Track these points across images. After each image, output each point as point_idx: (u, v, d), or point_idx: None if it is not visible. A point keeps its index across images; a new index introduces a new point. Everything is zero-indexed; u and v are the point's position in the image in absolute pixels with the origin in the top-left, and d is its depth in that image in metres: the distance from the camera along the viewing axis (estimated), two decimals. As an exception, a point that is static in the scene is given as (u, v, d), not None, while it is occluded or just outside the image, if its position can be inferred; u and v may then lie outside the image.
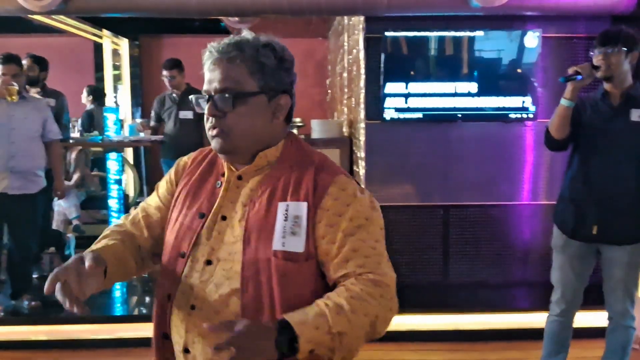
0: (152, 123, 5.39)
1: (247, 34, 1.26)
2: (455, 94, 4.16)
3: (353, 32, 4.61)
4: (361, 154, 4.32)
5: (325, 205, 1.22)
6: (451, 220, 4.29)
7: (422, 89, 4.11)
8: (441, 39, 4.16)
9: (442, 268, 4.33)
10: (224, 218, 1.26)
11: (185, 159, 1.42)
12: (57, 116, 4.56)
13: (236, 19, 4.30)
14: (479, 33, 4.14)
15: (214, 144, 1.25)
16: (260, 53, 1.23)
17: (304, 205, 1.20)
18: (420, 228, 4.28)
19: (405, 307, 3.71)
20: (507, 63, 4.18)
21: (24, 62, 4.38)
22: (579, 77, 2.55)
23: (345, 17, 4.95)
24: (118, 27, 7.08)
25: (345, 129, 5.12)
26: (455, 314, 3.84)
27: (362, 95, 4.20)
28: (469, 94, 4.17)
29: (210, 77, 1.23)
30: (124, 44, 7.57)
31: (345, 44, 5.06)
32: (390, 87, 4.06)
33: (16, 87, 3.68)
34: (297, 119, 6.42)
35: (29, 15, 4.73)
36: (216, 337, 1.07)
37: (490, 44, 4.18)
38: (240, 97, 1.21)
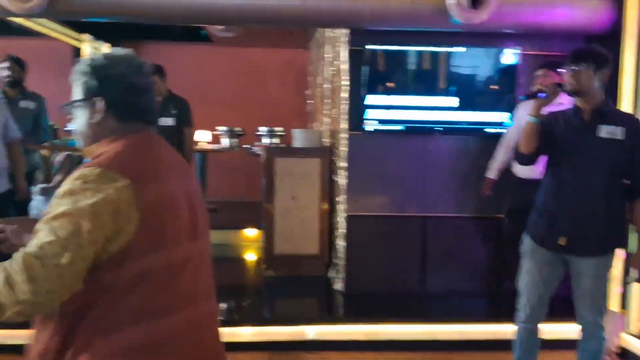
0: None
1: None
2: (435, 108, 4.25)
3: (335, 44, 4.67)
4: (342, 163, 4.36)
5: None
6: (429, 231, 4.35)
7: (403, 102, 4.19)
8: (422, 54, 4.25)
9: (419, 278, 4.39)
10: None
11: None
12: (36, 118, 4.49)
13: (220, 27, 4.33)
14: (459, 49, 4.24)
15: None
16: (84, 64, 1.48)
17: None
18: (399, 238, 4.34)
19: (384, 316, 3.80)
20: (486, 79, 4.29)
21: (5, 64, 4.32)
22: (543, 94, 2.70)
23: (327, 29, 5.01)
24: (99, 32, 7.04)
25: (326, 139, 5.17)
26: (432, 323, 3.89)
27: (344, 107, 4.26)
28: (448, 108, 4.25)
29: None
30: (104, 49, 7.53)
31: (327, 55, 5.12)
32: (372, 99, 4.13)
33: None
34: (278, 128, 6.47)
35: (9, 18, 4.70)
36: None
37: (470, 60, 4.29)
38: (65, 108, 1.52)
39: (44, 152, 4.88)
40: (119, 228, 1.30)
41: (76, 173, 1.36)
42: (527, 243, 2.91)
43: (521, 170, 3.80)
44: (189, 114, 4.98)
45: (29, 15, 3.87)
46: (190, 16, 3.68)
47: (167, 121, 5.00)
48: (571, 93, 2.72)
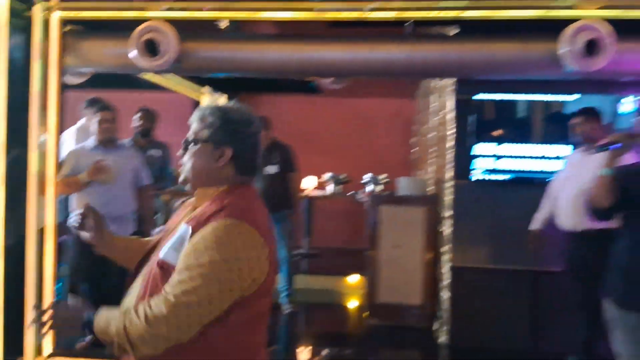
0: None
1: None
2: (545, 157, 4.12)
3: (442, 93, 4.71)
4: (446, 213, 4.32)
5: (196, 235, 1.47)
6: (541, 287, 4.16)
7: (511, 151, 4.11)
8: (532, 102, 4.17)
9: (530, 335, 4.17)
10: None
11: None
12: (162, 166, 4.85)
13: (330, 79, 4.52)
14: (571, 97, 4.12)
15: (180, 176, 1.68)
16: (212, 112, 1.59)
17: (189, 230, 1.48)
18: (507, 292, 4.18)
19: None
20: (601, 127, 4.11)
21: (138, 115, 4.73)
22: (617, 145, 2.62)
23: (435, 79, 5.07)
24: (218, 85, 7.56)
25: (431, 188, 5.15)
26: (543, 385, 3.68)
27: (450, 155, 4.25)
28: (560, 157, 4.11)
29: None
30: (221, 101, 8.06)
31: (434, 104, 5.16)
32: (479, 148, 4.09)
33: (110, 174, 3.85)
34: (382, 175, 6.54)
35: (141, 74, 5.20)
36: None
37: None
38: (192, 144, 1.60)
39: (165, 197, 5.26)
40: (255, 277, 1.45)
41: (218, 223, 1.47)
42: (611, 310, 2.68)
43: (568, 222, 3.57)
44: (292, 159, 5.14)
45: (158, 71, 4.27)
46: (303, 70, 3.88)
47: (271, 169, 5.18)
48: None
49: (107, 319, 1.42)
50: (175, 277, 1.42)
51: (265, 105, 7.88)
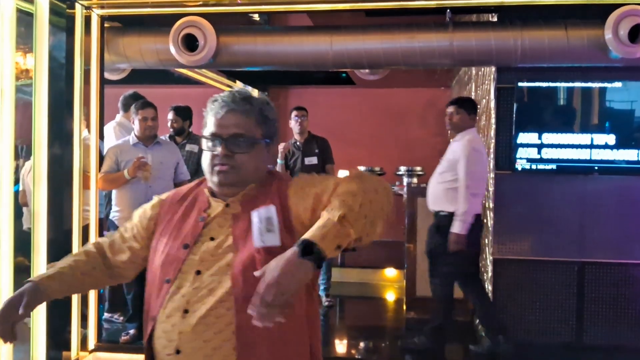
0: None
1: (243, 89, 1.48)
2: (591, 146, 4.00)
3: (482, 82, 4.61)
4: (489, 204, 4.24)
5: (290, 196, 1.44)
6: (587, 278, 4.05)
7: (556, 140, 4.00)
8: (576, 90, 4.05)
9: (576, 328, 4.08)
10: (212, 239, 1.46)
11: (163, 198, 1.61)
12: (199, 160, 4.88)
13: (367, 70, 4.47)
14: (616, 84, 3.99)
15: (222, 177, 1.46)
16: (264, 108, 1.51)
17: (272, 208, 1.41)
18: (551, 284, 4.09)
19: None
20: (647, 114, 3.99)
21: (169, 115, 4.73)
22: None
23: (474, 68, 4.97)
24: (250, 79, 7.57)
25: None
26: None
27: (492, 145, 4.16)
28: (606, 146, 3.99)
29: (223, 122, 1.47)
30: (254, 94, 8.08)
31: (473, 93, 5.06)
32: (523, 137, 3.99)
33: (150, 171, 3.83)
34: (417, 167, 6.46)
35: (176, 69, 5.23)
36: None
37: (628, 95, 4.02)
38: (251, 142, 1.47)
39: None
40: None
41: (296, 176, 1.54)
42: None
43: None
44: (330, 152, 5.18)
45: (196, 66, 4.28)
46: (341, 62, 3.84)
47: (312, 160, 5.20)
48: None
49: (318, 230, 1.27)
50: (328, 182, 1.43)
51: (295, 97, 7.86)
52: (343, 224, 1.27)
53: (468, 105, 3.87)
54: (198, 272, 1.42)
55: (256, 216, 1.41)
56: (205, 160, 1.48)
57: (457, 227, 3.55)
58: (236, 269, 1.39)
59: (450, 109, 3.87)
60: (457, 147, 3.73)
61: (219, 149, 1.44)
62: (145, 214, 1.61)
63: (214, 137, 1.46)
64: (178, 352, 1.39)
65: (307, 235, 1.25)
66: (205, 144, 1.48)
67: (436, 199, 3.80)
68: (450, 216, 3.62)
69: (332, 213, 1.29)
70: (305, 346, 1.44)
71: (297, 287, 1.20)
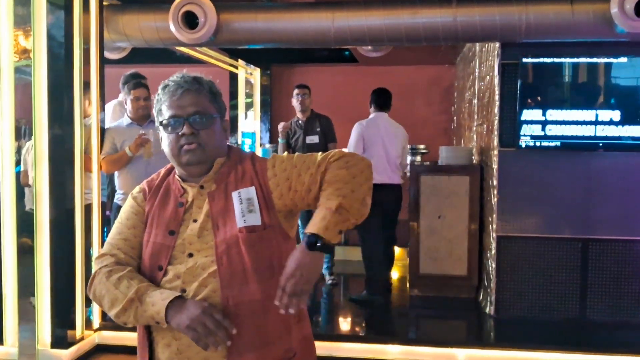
0: (280, 151, 5.60)
1: (186, 72, 1.58)
2: (596, 122, 3.96)
3: (486, 59, 4.56)
4: (493, 182, 4.22)
5: (270, 177, 1.52)
6: (590, 255, 4.05)
7: (560, 117, 3.96)
8: (581, 65, 4.00)
9: (578, 305, 4.08)
10: (195, 221, 1.52)
11: (144, 187, 1.62)
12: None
13: (369, 47, 4.41)
14: (622, 59, 3.94)
15: (190, 156, 1.51)
16: (213, 86, 1.58)
17: (252, 189, 1.50)
18: (555, 261, 4.08)
19: (540, 343, 3.58)
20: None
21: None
22: None
23: (478, 44, 4.90)
24: (252, 57, 7.50)
25: (475, 156, 5.03)
26: (592, 354, 3.59)
27: (496, 122, 4.12)
28: (611, 122, 3.95)
29: (181, 103, 1.51)
30: (256, 73, 8.01)
31: (477, 70, 5.00)
32: (527, 114, 3.95)
33: (151, 147, 3.81)
34: (421, 146, 6.41)
35: (177, 47, 5.18)
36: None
37: (634, 71, 3.96)
38: (210, 118, 1.53)
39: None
40: None
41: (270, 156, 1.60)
42: None
43: None
44: (332, 130, 5.15)
45: (196, 44, 4.23)
46: (343, 39, 3.79)
47: (314, 139, 5.18)
48: None
49: (320, 222, 1.38)
50: (312, 159, 1.53)
51: (298, 76, 7.79)
52: (341, 212, 1.39)
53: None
54: (190, 255, 1.48)
55: (237, 198, 1.50)
56: (170, 144, 1.51)
57: None
58: (219, 248, 1.46)
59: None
60: None
61: (183, 129, 1.49)
62: (136, 209, 1.60)
63: (175, 118, 1.50)
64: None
65: (311, 229, 1.38)
66: (166, 128, 1.52)
67: None
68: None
69: (328, 204, 1.40)
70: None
71: (313, 277, 1.36)
